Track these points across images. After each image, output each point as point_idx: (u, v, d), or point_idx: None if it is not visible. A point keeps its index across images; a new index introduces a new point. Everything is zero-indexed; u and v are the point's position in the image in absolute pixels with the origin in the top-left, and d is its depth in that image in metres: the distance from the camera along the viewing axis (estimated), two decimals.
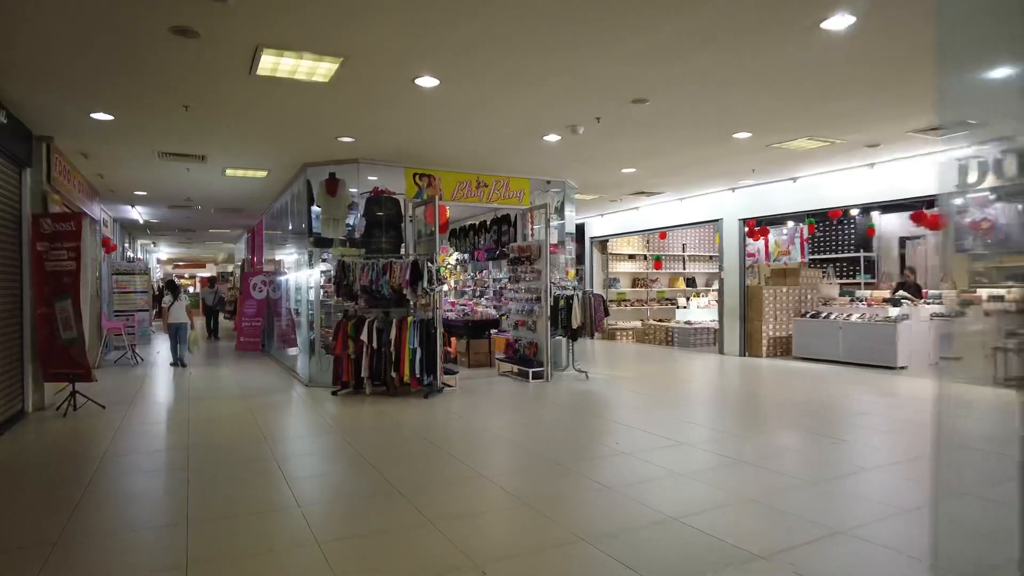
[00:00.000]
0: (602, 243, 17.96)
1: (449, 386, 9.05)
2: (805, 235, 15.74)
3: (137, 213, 14.99)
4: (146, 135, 7.99)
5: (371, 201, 9.48)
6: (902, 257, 14.96)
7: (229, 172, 10.32)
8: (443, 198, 9.70)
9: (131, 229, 19.36)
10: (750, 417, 7.38)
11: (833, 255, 15.50)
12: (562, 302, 10.01)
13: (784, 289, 13.46)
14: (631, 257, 18.21)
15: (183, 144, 8.52)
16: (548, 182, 11.03)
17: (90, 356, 7.64)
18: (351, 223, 9.65)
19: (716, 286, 18.38)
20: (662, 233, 16.85)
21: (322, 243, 9.77)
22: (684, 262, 18.76)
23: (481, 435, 6.53)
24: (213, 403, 8.30)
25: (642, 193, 13.34)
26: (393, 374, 8.45)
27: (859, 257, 15.19)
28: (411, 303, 8.66)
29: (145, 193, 12.24)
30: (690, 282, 19.14)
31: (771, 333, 13.14)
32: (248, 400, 8.48)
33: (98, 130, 7.61)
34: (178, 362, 11.64)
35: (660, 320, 16.96)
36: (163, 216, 15.92)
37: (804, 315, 12.89)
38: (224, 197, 13.03)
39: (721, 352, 13.68)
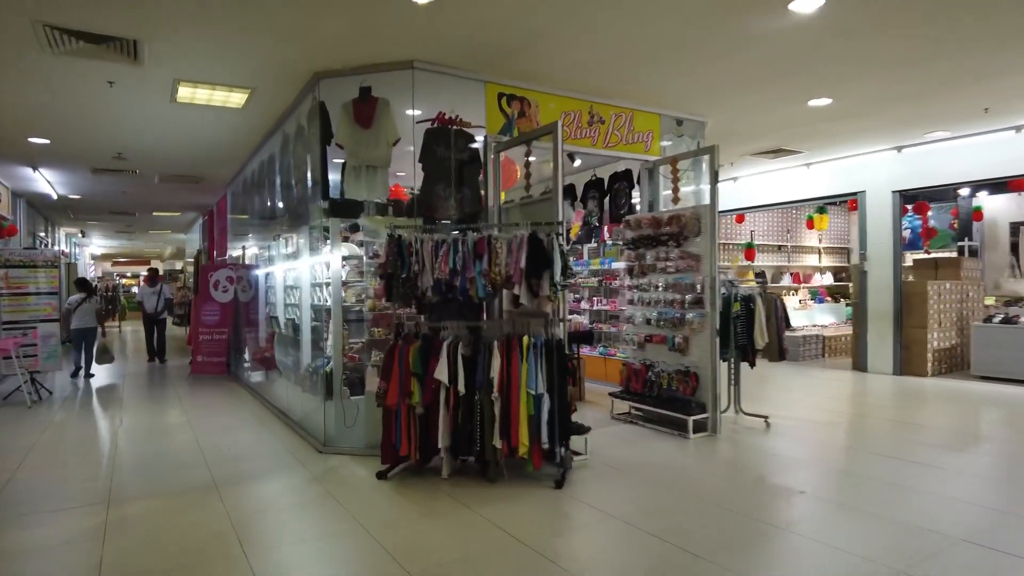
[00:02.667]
0: None
1: (577, 454, 5.19)
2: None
3: (46, 183, 10.62)
4: None
5: (433, 137, 5.56)
6: (1014, 245, 12.03)
7: (184, 92, 6.22)
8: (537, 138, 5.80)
9: (47, 211, 14.80)
10: None
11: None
12: (737, 306, 6.24)
13: (947, 285, 10.02)
14: None
15: (94, 10, 4.45)
16: (679, 122, 7.25)
17: None
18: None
19: (813, 281, 15.08)
20: (739, 216, 13.39)
21: (344, 210, 5.79)
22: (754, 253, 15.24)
23: None
24: (156, 506, 4.27)
25: (774, 152, 9.68)
26: (497, 442, 4.56)
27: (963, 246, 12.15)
28: (524, 309, 4.79)
29: (47, 141, 7.97)
30: (759, 275, 15.68)
31: (935, 344, 9.67)
32: (224, 493, 4.47)
33: None
34: (81, 372, 10.12)
35: None
36: (86, 189, 11.55)
37: (990, 319, 9.45)
38: (175, 152, 8.84)
39: (862, 368, 10.14)
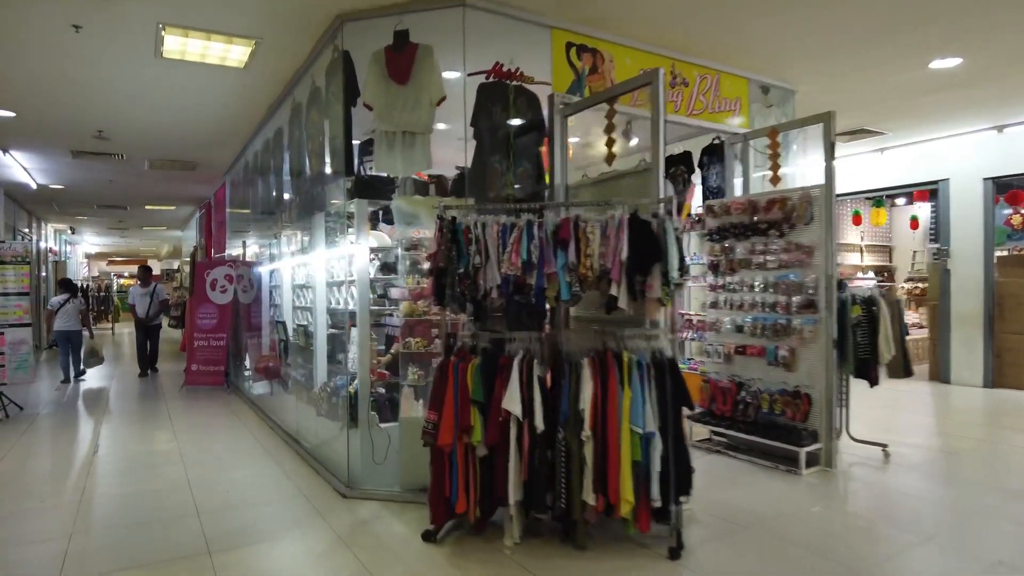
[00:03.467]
0: None
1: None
2: None
3: (21, 169, 9.41)
4: None
5: (488, 94, 4.36)
6: None
7: (172, 44, 5.01)
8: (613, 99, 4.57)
9: (30, 204, 13.59)
10: None
11: None
12: (857, 310, 5.04)
13: None
14: None
15: None
16: (765, 91, 6.05)
17: None
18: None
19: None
20: None
21: (373, 190, 4.59)
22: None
23: None
24: None
25: (852, 134, 8.49)
26: (589, 497, 3.36)
27: None
28: (614, 316, 3.59)
29: (11, 114, 6.75)
30: (877, 273, 14.50)
31: None
32: (219, 563, 3.27)
33: None
34: (70, 377, 9.58)
35: None
36: (68, 177, 10.34)
37: None
38: (165, 131, 7.64)
39: (943, 380, 8.94)
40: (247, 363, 8.61)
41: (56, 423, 6.97)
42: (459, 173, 4.48)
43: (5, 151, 8.34)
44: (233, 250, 10.00)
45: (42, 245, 15.90)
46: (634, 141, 6.69)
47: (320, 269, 5.44)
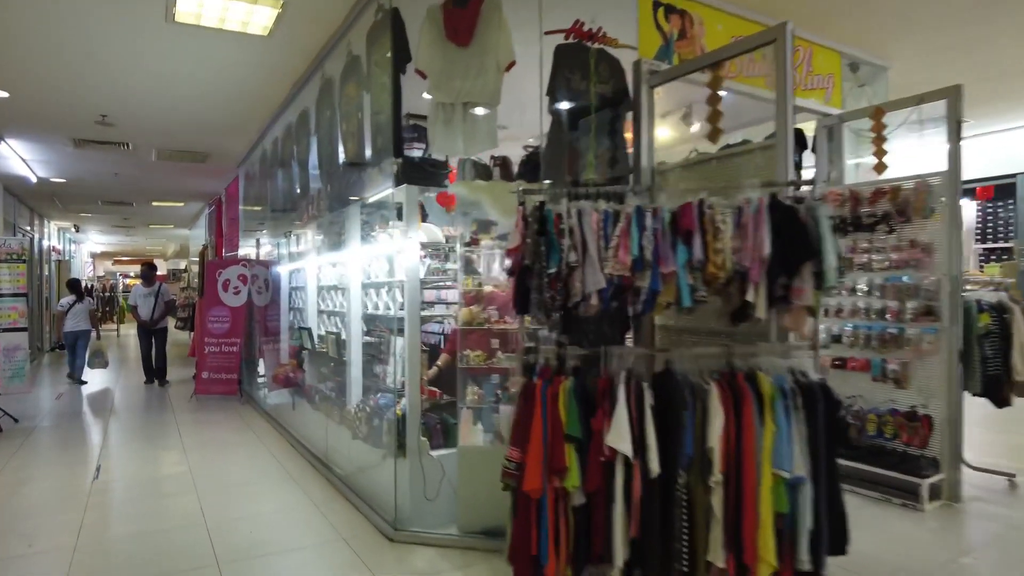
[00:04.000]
0: None
1: None
2: None
3: (20, 160, 8.73)
4: None
5: (566, 58, 3.64)
6: None
7: (186, 5, 4.30)
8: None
9: (31, 200, 12.92)
10: None
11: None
12: (986, 319, 4.30)
13: None
14: None
15: None
16: (854, 68, 5.32)
17: None
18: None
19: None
20: None
21: (421, 174, 3.88)
22: None
23: None
24: None
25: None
26: (718, 557, 2.62)
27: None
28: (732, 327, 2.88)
29: (5, 94, 6.05)
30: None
31: None
32: None
33: None
34: (74, 377, 9.55)
35: None
36: (71, 169, 9.66)
37: None
38: (175, 117, 6.96)
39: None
40: (262, 371, 7.91)
41: (53, 439, 6.28)
42: (530, 153, 3.76)
43: (1, 139, 7.65)
44: (246, 249, 9.30)
45: (45, 244, 15.24)
46: (695, 127, 5.98)
47: (354, 268, 4.72)
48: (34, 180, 10.02)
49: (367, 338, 4.78)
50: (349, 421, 4.50)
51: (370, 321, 4.77)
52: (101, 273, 31.99)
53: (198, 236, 17.70)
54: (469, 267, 4.01)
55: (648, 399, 2.77)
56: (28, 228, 13.65)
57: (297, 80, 5.64)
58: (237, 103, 6.40)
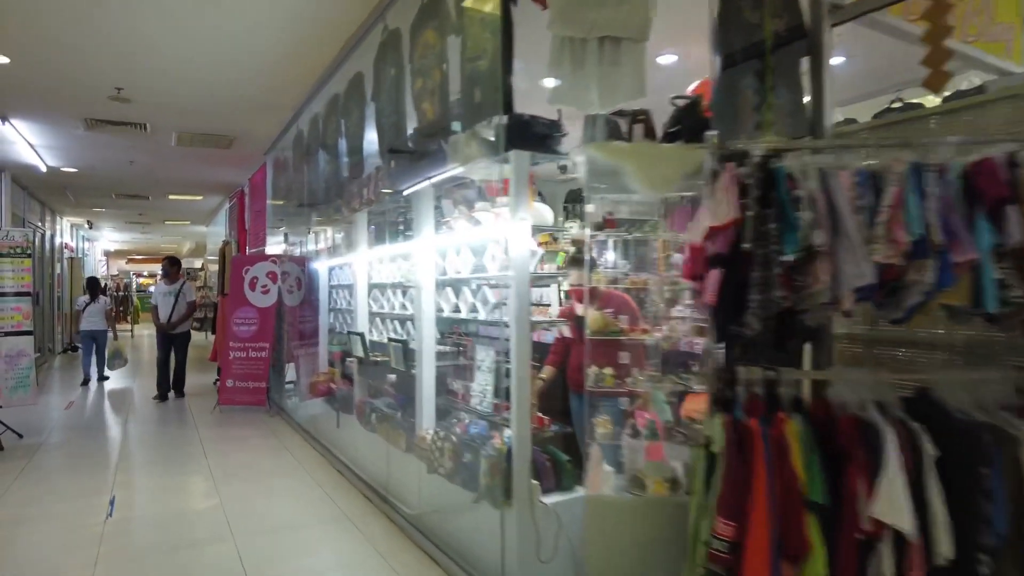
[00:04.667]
0: None
1: None
2: None
3: (27, 145, 7.92)
4: None
5: None
6: None
7: None
8: None
9: (42, 193, 12.15)
10: None
11: None
12: None
13: None
14: None
15: None
16: None
17: None
18: None
19: None
20: None
21: (532, 137, 2.97)
22: None
23: None
24: None
25: None
26: None
27: None
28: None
29: (5, 60, 5.20)
30: None
31: None
32: None
33: None
34: (92, 378, 9.43)
35: None
36: (83, 157, 8.86)
37: None
38: (199, 90, 6.12)
39: None
40: (291, 377, 7.04)
41: (60, 460, 5.44)
42: (687, 105, 2.84)
43: (5, 119, 6.83)
44: (276, 245, 8.44)
45: (56, 240, 14.48)
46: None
47: (426, 262, 3.83)
48: (44, 169, 9.23)
49: (440, 346, 3.89)
50: (425, 451, 3.59)
51: (445, 325, 3.88)
52: (115, 272, 31.30)
53: (216, 233, 16.93)
54: (594, 259, 3.10)
55: (928, 449, 1.85)
56: (39, 224, 12.89)
57: (350, 37, 4.75)
58: (273, 72, 5.52)
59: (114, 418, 7.21)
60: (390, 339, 4.42)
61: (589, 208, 3.18)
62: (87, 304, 9.28)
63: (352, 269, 5.41)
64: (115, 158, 8.90)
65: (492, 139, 2.97)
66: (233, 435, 6.34)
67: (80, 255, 18.33)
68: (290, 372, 7.17)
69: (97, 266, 24.42)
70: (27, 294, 6.29)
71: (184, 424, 6.83)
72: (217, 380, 9.11)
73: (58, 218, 15.17)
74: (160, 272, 8.83)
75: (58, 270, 14.38)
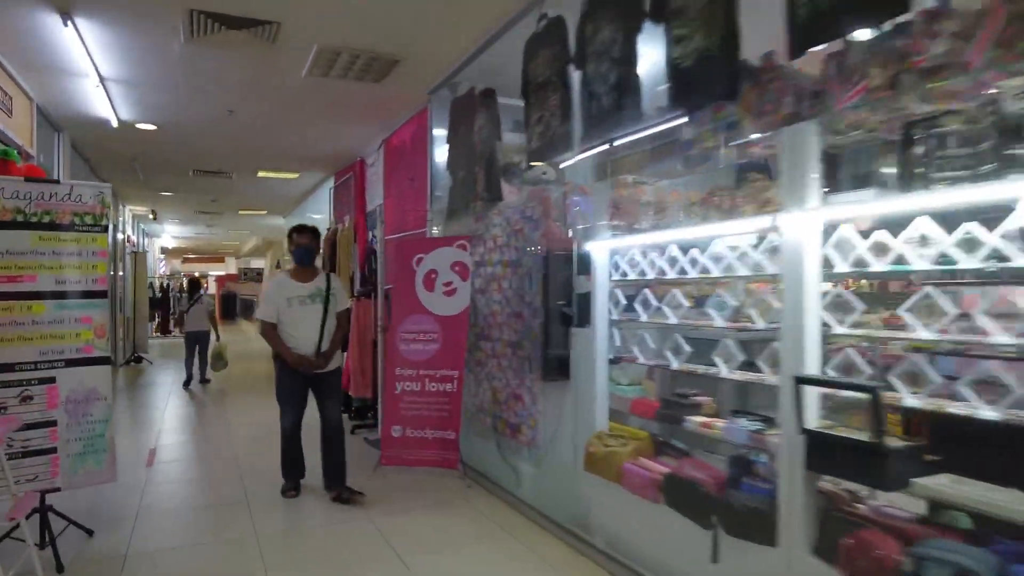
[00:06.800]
0: None
1: None
2: None
3: (94, 71, 5.33)
4: None
5: None
6: None
7: None
8: None
9: (106, 169, 9.74)
10: None
11: None
12: None
13: None
14: None
15: None
16: None
17: None
18: None
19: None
20: None
21: None
22: None
23: None
24: None
25: None
26: None
27: None
28: None
29: None
30: None
31: None
32: None
33: None
34: (194, 379, 9.22)
35: None
36: (170, 101, 6.34)
37: None
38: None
39: None
40: (519, 419, 4.34)
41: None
42: None
43: (67, 18, 4.27)
44: (436, 226, 5.77)
45: (119, 235, 12.12)
46: None
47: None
48: (115, 124, 6.74)
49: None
50: None
51: None
52: (169, 271, 29.24)
53: (283, 228, 14.44)
54: None
55: None
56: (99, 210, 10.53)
57: None
58: None
59: (231, 488, 4.64)
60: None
61: None
62: (191, 305, 9.36)
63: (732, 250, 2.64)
64: (212, 105, 6.36)
65: None
66: (432, 538, 3.66)
67: (140, 250, 16.08)
68: (519, 412, 4.48)
69: (156, 265, 22.35)
70: (102, 294, 3.69)
71: (351, 511, 4.17)
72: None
73: (121, 206, 12.87)
74: (281, 259, 6.20)
75: (120, 272, 12.08)
